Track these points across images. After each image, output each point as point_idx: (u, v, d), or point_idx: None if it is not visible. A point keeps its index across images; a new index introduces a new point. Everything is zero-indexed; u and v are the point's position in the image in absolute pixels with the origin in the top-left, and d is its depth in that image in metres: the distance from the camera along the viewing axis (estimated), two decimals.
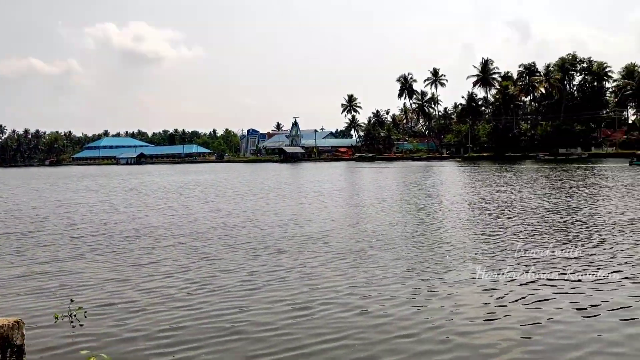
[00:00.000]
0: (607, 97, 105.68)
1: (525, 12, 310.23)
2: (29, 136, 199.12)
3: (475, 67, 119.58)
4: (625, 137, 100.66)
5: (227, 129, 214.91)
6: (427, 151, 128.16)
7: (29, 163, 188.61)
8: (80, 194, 39.93)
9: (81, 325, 8.52)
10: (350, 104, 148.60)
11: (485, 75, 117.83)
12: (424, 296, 9.76)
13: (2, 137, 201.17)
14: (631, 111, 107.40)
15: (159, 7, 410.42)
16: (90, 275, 12.02)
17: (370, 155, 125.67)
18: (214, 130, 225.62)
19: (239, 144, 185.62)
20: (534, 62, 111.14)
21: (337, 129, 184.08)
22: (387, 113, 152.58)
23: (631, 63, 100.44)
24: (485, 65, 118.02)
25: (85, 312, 8.97)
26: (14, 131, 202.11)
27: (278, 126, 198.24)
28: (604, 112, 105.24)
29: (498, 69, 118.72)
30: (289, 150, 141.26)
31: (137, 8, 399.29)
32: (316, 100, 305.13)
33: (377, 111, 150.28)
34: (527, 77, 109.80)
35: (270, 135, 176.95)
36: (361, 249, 14.30)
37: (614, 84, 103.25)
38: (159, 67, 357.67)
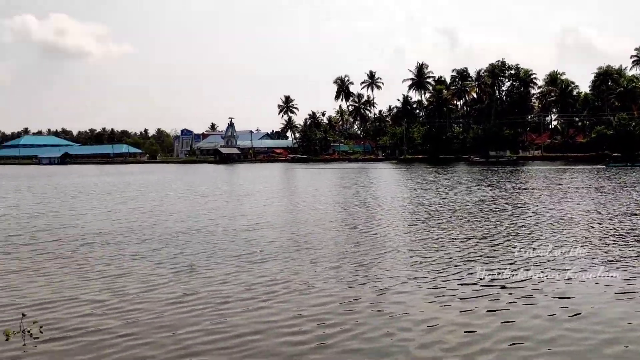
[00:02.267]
0: (533, 103, 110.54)
1: (452, 21, 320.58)
2: None
3: (410, 70, 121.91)
4: (549, 140, 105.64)
5: (159, 129, 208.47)
6: (363, 153, 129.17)
7: None
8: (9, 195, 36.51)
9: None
10: (287, 105, 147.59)
11: (420, 79, 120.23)
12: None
13: None
14: (554, 116, 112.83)
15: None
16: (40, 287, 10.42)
17: (305, 156, 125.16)
18: (146, 130, 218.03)
19: (172, 145, 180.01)
20: (466, 68, 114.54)
21: (273, 130, 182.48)
22: (324, 115, 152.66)
23: (554, 71, 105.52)
24: (421, 69, 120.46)
25: (41, 327, 7.87)
26: None
27: (213, 127, 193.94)
28: (529, 117, 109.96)
29: (432, 73, 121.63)
30: (224, 151, 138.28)
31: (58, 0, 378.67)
32: (252, 101, 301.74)
33: (314, 113, 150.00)
34: (460, 82, 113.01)
35: (205, 135, 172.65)
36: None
37: (539, 90, 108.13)
38: (84, 63, 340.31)
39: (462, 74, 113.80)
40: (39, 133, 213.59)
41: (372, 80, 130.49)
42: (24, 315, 8.21)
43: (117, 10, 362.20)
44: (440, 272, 11.15)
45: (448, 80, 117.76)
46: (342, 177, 53.97)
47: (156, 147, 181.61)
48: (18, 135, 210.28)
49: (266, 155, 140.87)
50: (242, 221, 20.15)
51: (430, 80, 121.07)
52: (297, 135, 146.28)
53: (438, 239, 15.34)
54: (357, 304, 9.18)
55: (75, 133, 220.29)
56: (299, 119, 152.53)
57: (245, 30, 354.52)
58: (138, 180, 54.11)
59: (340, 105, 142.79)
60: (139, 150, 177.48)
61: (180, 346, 7.36)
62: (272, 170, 77.00)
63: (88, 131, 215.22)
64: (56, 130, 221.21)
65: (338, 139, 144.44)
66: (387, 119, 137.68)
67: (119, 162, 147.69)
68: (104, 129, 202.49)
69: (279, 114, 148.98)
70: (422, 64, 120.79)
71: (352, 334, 7.71)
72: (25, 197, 34.56)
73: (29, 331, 7.81)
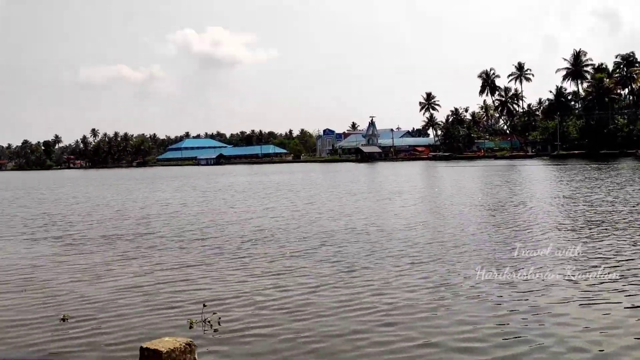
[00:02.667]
0: None
1: (612, 1, 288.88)
2: (118, 139, 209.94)
3: (565, 59, 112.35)
4: None
5: (302, 130, 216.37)
6: (511, 149, 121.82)
7: (118, 164, 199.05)
8: (185, 194, 40.43)
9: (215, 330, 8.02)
10: (429, 102, 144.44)
11: (576, 67, 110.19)
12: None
13: (95, 140, 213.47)
14: None
15: (235, 11, 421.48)
16: (221, 280, 11.20)
17: (448, 154, 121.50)
18: (290, 131, 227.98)
19: (315, 144, 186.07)
20: (632, 52, 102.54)
21: (414, 128, 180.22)
22: (466, 111, 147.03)
23: None
24: (577, 56, 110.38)
25: (220, 318, 8.42)
26: (105, 134, 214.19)
27: (354, 126, 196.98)
28: None
29: (591, 60, 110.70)
30: (365, 149, 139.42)
31: (215, 14, 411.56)
32: (392, 99, 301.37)
33: (456, 109, 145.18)
34: (625, 69, 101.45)
35: (346, 135, 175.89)
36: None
37: None
38: (235, 70, 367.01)
39: (628, 59, 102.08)
40: (198, 136, 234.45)
41: (520, 72, 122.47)
42: (204, 305, 8.62)
43: (265, 19, 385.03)
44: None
45: (610, 67, 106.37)
46: (491, 175, 51.20)
47: (300, 147, 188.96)
48: (181, 138, 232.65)
49: (407, 154, 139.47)
50: (395, 220, 19.82)
51: (588, 68, 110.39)
52: (439, 132, 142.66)
53: (622, 245, 13.56)
54: (542, 314, 8.26)
55: (228, 135, 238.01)
56: (441, 115, 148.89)
57: (385, 28, 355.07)
58: (286, 179, 56.57)
59: (484, 100, 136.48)
60: (284, 151, 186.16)
61: (357, 354, 7.12)
62: (414, 169, 75.81)
63: (239, 133, 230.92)
64: (212, 133, 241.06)
65: (482, 136, 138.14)
66: (537, 113, 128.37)
67: (266, 162, 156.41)
68: (253, 130, 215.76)
69: (420, 111, 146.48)
70: (579, 51, 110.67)
71: (552, 351, 6.86)
72: (190, 195, 37.79)
73: (208, 321, 8.28)
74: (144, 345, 4.22)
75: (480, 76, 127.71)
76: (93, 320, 8.72)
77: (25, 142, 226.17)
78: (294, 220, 20.69)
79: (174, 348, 4.13)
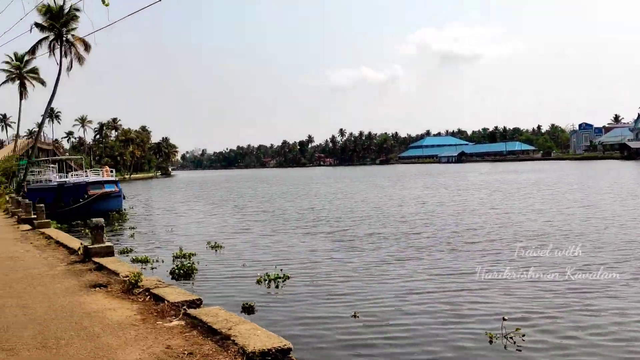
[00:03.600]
0: None
1: None
2: (363, 138, 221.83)
3: None
4: None
5: (553, 124, 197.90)
6: None
7: (362, 162, 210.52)
8: (436, 192, 40.34)
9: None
10: None
11: None
12: None
13: (342, 139, 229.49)
14: None
15: (475, 6, 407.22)
16: (509, 291, 10.17)
17: None
18: (538, 127, 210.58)
19: (567, 140, 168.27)
20: None
21: None
22: None
23: None
24: None
25: (523, 335, 7.53)
26: (351, 134, 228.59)
27: (617, 118, 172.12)
28: None
29: None
30: (633, 145, 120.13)
31: (452, 10, 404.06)
32: None
33: None
34: None
35: (607, 129, 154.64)
36: None
37: None
38: (475, 66, 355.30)
39: None
40: (439, 134, 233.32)
41: None
42: (504, 319, 7.84)
43: (510, 11, 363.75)
44: None
45: None
46: None
47: (550, 144, 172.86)
48: (421, 136, 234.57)
49: None
50: None
51: None
52: None
53: None
54: None
55: (469, 133, 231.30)
56: None
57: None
58: (543, 178, 51.43)
59: None
60: (532, 147, 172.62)
61: None
62: None
63: (481, 130, 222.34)
64: (453, 130, 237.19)
65: None
66: None
67: (511, 160, 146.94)
68: (496, 127, 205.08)
69: None
70: None
71: None
72: (442, 193, 36.84)
73: (510, 337, 7.43)
74: None
75: None
76: (383, 323, 8.42)
77: (284, 142, 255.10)
78: (576, 225, 17.96)
79: None
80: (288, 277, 11.62)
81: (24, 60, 49.06)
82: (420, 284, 10.93)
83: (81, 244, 10.83)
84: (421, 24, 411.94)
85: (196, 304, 6.20)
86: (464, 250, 14.44)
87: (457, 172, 78.74)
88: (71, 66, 40.49)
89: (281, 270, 12.15)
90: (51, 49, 39.90)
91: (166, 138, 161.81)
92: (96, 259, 9.46)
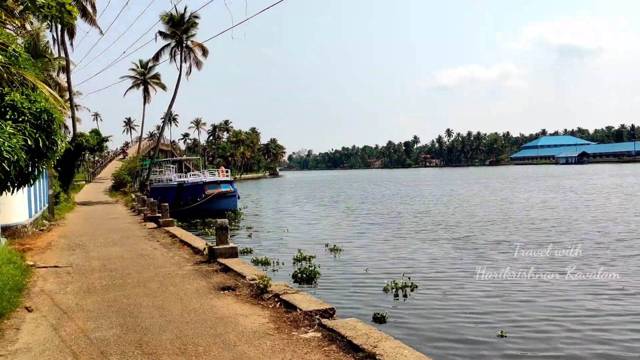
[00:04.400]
0: None
1: None
2: (471, 138, 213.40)
3: None
4: None
5: None
6: None
7: (470, 163, 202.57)
8: (563, 195, 37.50)
9: None
10: None
11: None
12: None
13: (449, 140, 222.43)
14: None
15: None
16: None
17: None
18: None
19: None
20: None
21: None
22: None
23: None
24: None
25: None
26: (458, 134, 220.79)
27: None
28: None
29: None
30: None
31: (572, 2, 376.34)
32: None
33: None
34: None
35: None
36: None
37: None
38: (598, 60, 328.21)
39: None
40: (555, 133, 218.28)
41: None
42: None
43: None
44: None
45: None
46: None
47: None
48: (536, 136, 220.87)
49: None
50: None
51: None
52: None
53: None
54: None
55: (591, 132, 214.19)
56: None
57: None
58: None
59: None
60: None
61: None
62: None
63: (605, 129, 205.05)
64: (572, 129, 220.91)
65: None
66: None
67: None
68: (622, 125, 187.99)
69: None
70: None
71: None
72: (570, 197, 33.76)
73: None
74: None
75: None
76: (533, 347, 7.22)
77: (390, 142, 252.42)
78: None
79: None
80: (416, 286, 10.74)
81: (148, 66, 52.31)
82: (577, 303, 9.50)
83: (206, 244, 10.75)
84: (537, 18, 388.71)
85: (329, 313, 5.89)
86: (627, 265, 12.58)
87: (580, 174, 72.52)
88: (190, 71, 42.40)
89: (409, 278, 11.27)
90: (172, 55, 42.02)
91: (274, 139, 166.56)
92: (221, 260, 9.31)
